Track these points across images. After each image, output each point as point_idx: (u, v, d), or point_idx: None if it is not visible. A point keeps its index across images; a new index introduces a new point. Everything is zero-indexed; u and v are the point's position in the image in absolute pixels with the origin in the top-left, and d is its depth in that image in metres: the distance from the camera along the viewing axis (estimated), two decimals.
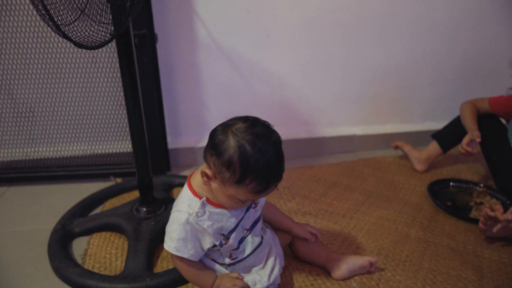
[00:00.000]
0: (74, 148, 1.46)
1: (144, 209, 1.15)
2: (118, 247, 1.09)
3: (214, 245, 0.81)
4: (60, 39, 1.27)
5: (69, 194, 1.32)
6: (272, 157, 0.70)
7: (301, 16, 1.45)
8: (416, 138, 1.67)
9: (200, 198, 0.79)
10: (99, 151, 1.46)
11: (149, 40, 1.27)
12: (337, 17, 1.47)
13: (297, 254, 1.01)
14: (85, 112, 1.41)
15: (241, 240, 0.85)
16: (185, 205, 0.80)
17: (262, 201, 0.92)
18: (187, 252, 0.80)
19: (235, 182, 0.71)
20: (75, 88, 1.36)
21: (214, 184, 0.76)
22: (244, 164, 0.69)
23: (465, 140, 1.27)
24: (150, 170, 1.13)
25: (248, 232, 0.86)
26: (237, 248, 0.85)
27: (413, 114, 1.73)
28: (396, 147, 1.57)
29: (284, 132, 1.65)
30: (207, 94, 1.51)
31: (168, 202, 1.20)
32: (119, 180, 1.41)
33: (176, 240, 0.80)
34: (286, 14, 1.43)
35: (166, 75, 1.43)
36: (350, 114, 1.67)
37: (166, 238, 0.82)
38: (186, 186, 0.83)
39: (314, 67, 1.55)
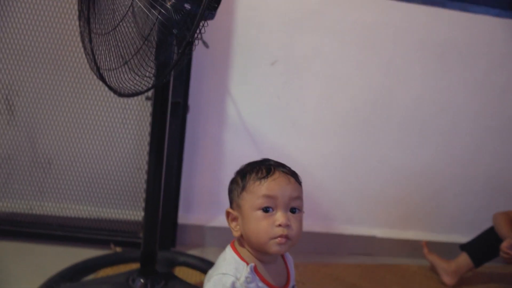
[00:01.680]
0: (81, 208, 1.38)
1: (142, 281, 1.02)
2: None
3: None
4: (92, 91, 1.31)
5: (62, 257, 1.19)
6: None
7: (329, 109, 1.49)
8: (440, 249, 1.54)
9: (248, 263, 0.70)
10: (105, 215, 1.38)
11: (181, 109, 1.30)
12: (363, 115, 1.51)
13: None
14: (102, 170, 1.37)
15: None
16: (232, 267, 0.70)
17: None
18: None
19: (242, 188, 0.72)
20: (97, 142, 1.35)
21: (242, 222, 0.71)
22: (240, 170, 0.75)
23: (505, 243, 1.20)
24: (157, 242, 1.04)
25: None
26: None
27: (436, 223, 1.64)
28: (425, 254, 1.44)
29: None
30: (226, 171, 1.48)
31: (169, 278, 1.07)
32: (119, 249, 1.29)
33: None
34: (314, 105, 1.48)
35: (189, 147, 1.43)
36: (371, 213, 1.59)
37: None
38: (229, 248, 0.74)
39: (336, 160, 1.54)
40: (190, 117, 1.38)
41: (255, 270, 0.70)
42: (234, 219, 0.74)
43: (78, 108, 1.33)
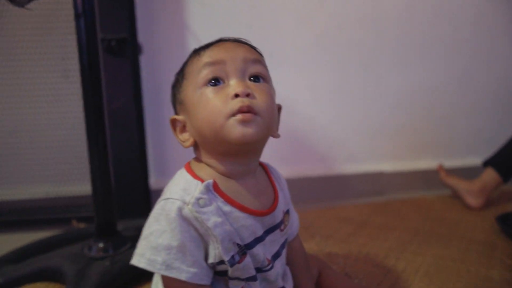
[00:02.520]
0: (36, 189, 1.17)
1: (101, 245, 0.81)
2: None
3: (221, 261, 0.49)
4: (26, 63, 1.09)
5: (14, 245, 0.98)
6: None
7: (309, 32, 1.28)
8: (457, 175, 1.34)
9: (202, 181, 0.49)
10: (64, 192, 1.17)
11: (131, 49, 1.08)
12: (350, 35, 1.30)
13: None
14: (52, 143, 1.16)
15: (257, 272, 0.53)
16: (178, 189, 0.49)
17: (293, 223, 0.62)
18: (186, 269, 0.47)
19: (182, 78, 0.54)
20: (43, 114, 1.14)
21: (190, 120, 0.52)
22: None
23: None
24: (114, 211, 0.85)
25: (270, 266, 0.53)
26: (255, 278, 0.51)
27: (449, 148, 1.43)
28: (442, 179, 1.24)
29: (296, 169, 1.37)
30: None
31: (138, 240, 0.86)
32: (82, 225, 1.09)
33: (164, 249, 0.47)
34: (291, 30, 1.27)
35: (150, 96, 1.21)
36: (375, 147, 1.38)
37: (142, 248, 0.49)
38: (182, 169, 0.53)
39: (327, 92, 1.32)
40: (144, 60, 1.17)
41: (215, 188, 0.49)
42: (183, 129, 0.54)
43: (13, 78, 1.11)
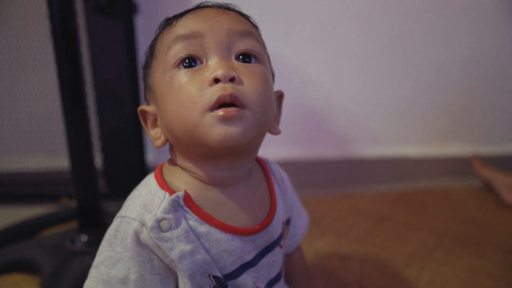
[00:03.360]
0: (24, 160, 1.09)
1: (85, 239, 0.72)
2: None
3: None
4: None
5: (4, 220, 0.91)
6: None
7: None
8: (492, 165, 1.18)
9: (171, 192, 0.37)
10: (54, 164, 1.07)
11: (123, 7, 0.93)
12: None
13: None
14: (42, 110, 1.05)
15: None
16: (137, 204, 0.37)
17: (298, 230, 0.51)
18: None
19: (151, 56, 0.41)
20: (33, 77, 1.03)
21: (159, 111, 0.39)
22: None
23: None
24: (97, 192, 0.74)
25: None
26: None
27: (486, 132, 1.26)
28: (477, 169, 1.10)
29: (309, 150, 1.25)
30: None
31: None
32: (72, 202, 1.00)
33: (118, 282, 0.36)
34: None
35: None
36: (400, 129, 1.22)
37: (92, 280, 0.37)
38: (149, 175, 0.41)
39: (348, 65, 1.16)
40: (141, 21, 1.02)
41: (186, 202, 0.36)
42: (154, 122, 0.42)
43: None
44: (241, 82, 0.35)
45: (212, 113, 0.34)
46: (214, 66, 0.35)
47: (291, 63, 1.12)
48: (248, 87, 0.35)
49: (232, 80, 0.35)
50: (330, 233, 0.86)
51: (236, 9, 0.41)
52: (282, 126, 0.46)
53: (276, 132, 0.43)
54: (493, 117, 1.26)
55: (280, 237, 0.43)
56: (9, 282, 0.70)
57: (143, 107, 0.42)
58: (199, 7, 0.40)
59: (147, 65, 0.41)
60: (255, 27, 0.41)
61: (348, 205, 1.01)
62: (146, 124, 0.42)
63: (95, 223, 0.74)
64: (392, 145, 1.23)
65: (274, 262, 0.43)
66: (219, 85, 0.34)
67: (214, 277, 0.37)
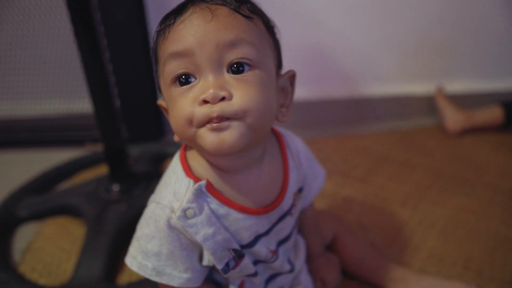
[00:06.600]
0: (47, 105, 1.14)
1: (117, 189, 0.81)
2: (74, 240, 0.77)
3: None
4: None
5: (30, 165, 1.00)
6: None
7: None
8: (499, 100, 1.21)
9: (196, 180, 0.43)
10: (77, 108, 1.13)
11: None
12: None
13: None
14: (64, 54, 1.07)
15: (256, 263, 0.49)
16: (168, 192, 0.44)
17: (312, 189, 0.57)
18: (178, 276, 0.45)
19: (155, 60, 0.43)
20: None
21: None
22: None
23: None
24: (120, 135, 0.80)
25: (275, 257, 0.49)
26: (255, 274, 0.49)
27: (496, 67, 1.27)
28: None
29: (315, 88, 1.27)
30: None
31: (153, 178, 0.86)
32: (97, 147, 1.08)
33: (153, 255, 0.45)
34: None
35: (158, 9, 1.05)
36: (408, 67, 1.23)
37: (134, 249, 0.46)
38: (176, 157, 0.47)
39: (355, 1, 1.12)
40: None
41: (208, 189, 0.42)
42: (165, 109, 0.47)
43: None
44: (231, 97, 0.38)
45: (205, 127, 0.38)
46: (204, 86, 0.38)
47: (298, 3, 1.09)
48: (239, 99, 0.38)
49: (216, 98, 0.37)
50: (335, 175, 0.95)
51: (231, 4, 0.40)
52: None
53: (283, 120, 0.45)
54: (504, 52, 1.25)
55: (291, 207, 0.50)
56: (55, 223, 0.82)
57: (160, 102, 0.46)
58: (188, 8, 0.40)
59: (155, 62, 0.44)
60: (249, 17, 0.40)
61: (351, 145, 1.08)
62: (168, 115, 0.45)
63: (123, 175, 0.82)
64: (397, 83, 1.25)
65: (284, 227, 0.50)
66: (208, 106, 0.37)
67: (233, 249, 0.45)
